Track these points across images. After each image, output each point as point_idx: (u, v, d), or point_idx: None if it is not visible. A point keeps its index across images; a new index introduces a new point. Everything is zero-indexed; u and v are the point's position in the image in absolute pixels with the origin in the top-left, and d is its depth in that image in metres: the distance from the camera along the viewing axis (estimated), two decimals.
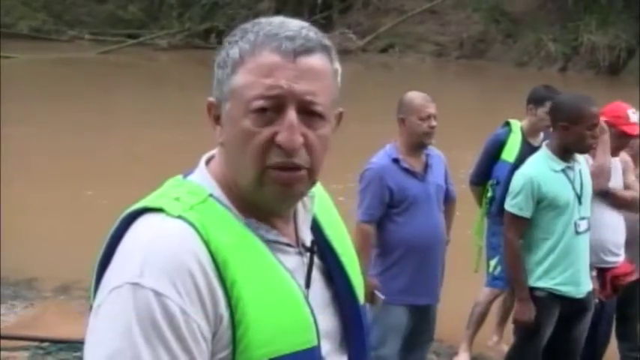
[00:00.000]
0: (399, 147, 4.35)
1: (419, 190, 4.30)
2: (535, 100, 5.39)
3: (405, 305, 4.36)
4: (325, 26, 19.33)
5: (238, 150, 1.38)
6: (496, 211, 5.46)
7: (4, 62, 19.62)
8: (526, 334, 4.26)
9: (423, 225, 4.29)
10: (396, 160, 4.29)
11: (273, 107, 1.35)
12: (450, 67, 22.26)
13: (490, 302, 5.66)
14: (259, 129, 1.36)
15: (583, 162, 4.27)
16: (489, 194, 5.48)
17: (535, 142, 5.39)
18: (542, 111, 5.24)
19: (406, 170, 4.30)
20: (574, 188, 4.15)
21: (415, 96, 4.39)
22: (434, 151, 4.50)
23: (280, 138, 1.35)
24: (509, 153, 5.42)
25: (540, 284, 4.18)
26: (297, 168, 1.38)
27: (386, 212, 4.28)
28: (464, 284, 5.79)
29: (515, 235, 4.18)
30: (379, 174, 4.26)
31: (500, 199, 5.45)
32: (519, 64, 20.87)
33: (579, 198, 4.16)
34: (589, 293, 4.29)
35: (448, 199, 4.66)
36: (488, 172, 5.48)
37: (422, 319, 4.47)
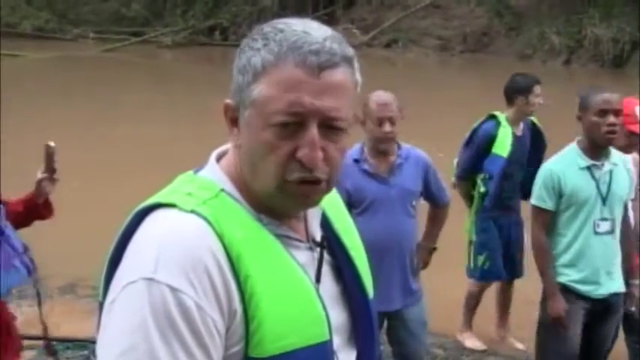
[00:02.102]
0: (365, 148, 4.17)
1: (378, 192, 4.09)
2: (524, 90, 5.43)
3: None
4: (329, 22, 19.27)
5: (258, 159, 1.38)
6: (490, 206, 5.49)
7: (9, 62, 19.64)
8: (548, 332, 4.20)
9: (380, 228, 4.03)
10: (356, 161, 4.12)
11: (295, 122, 1.35)
12: (453, 61, 22.23)
13: (480, 293, 5.72)
14: (280, 142, 1.35)
15: (620, 163, 4.18)
16: (482, 189, 5.45)
17: (518, 132, 5.47)
18: (533, 96, 5.42)
19: (365, 172, 4.12)
20: (598, 187, 4.08)
21: (373, 98, 4.09)
22: (414, 152, 4.26)
23: (301, 154, 1.35)
24: (501, 147, 5.42)
25: (557, 279, 4.15)
26: (317, 181, 1.38)
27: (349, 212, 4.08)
28: (466, 279, 5.81)
29: (540, 228, 4.16)
30: None
31: (496, 194, 5.46)
32: (523, 57, 20.83)
33: (603, 198, 4.09)
34: (614, 295, 4.21)
35: (436, 205, 4.46)
36: (479, 167, 5.47)
37: (394, 328, 4.27)
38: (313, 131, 1.35)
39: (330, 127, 1.37)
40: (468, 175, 5.51)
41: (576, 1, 21.50)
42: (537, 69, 19.52)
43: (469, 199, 5.55)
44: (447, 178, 4.66)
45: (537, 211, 4.16)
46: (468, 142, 5.52)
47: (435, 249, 4.58)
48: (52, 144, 4.04)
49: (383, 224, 4.07)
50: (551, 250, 4.17)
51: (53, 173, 4.04)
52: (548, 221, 4.15)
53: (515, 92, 5.46)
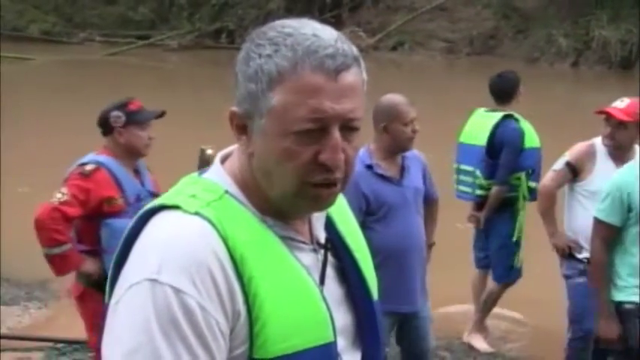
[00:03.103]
0: (373, 152, 4.17)
1: (395, 196, 4.12)
2: (519, 83, 5.57)
3: (386, 312, 4.13)
4: (335, 25, 19.17)
5: (277, 166, 1.37)
6: (535, 197, 5.50)
7: (16, 65, 19.70)
8: (623, 354, 4.05)
9: (400, 231, 4.11)
10: (369, 167, 4.11)
11: (317, 128, 1.35)
12: (460, 64, 22.20)
13: (502, 293, 5.71)
14: (301, 148, 1.35)
15: None
16: (532, 184, 5.41)
17: None
18: (522, 88, 5.60)
19: (381, 176, 4.13)
20: None
21: (396, 101, 4.18)
22: (411, 151, 4.30)
23: (325, 158, 1.35)
24: (532, 140, 5.48)
25: (629, 298, 3.96)
26: (335, 183, 1.39)
27: (363, 220, 4.05)
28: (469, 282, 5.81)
29: (601, 242, 3.96)
30: (354, 181, 3.95)
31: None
32: (530, 60, 20.79)
33: None
34: None
35: (430, 201, 4.49)
36: (516, 167, 5.46)
37: (409, 328, 4.30)
38: (336, 135, 1.35)
39: (348, 127, 1.37)
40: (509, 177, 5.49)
41: (584, 3, 21.45)
42: (545, 71, 19.50)
43: (499, 204, 5.49)
44: (437, 180, 4.65)
45: (599, 223, 3.95)
46: (489, 148, 5.44)
47: (433, 244, 4.65)
48: (209, 151, 4.02)
49: (403, 227, 4.12)
50: (608, 267, 3.97)
51: None
52: (611, 237, 3.94)
53: (517, 87, 5.54)
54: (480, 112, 5.60)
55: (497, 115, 5.47)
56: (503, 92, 5.52)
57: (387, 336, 4.21)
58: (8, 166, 9.19)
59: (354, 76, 1.37)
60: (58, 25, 26.00)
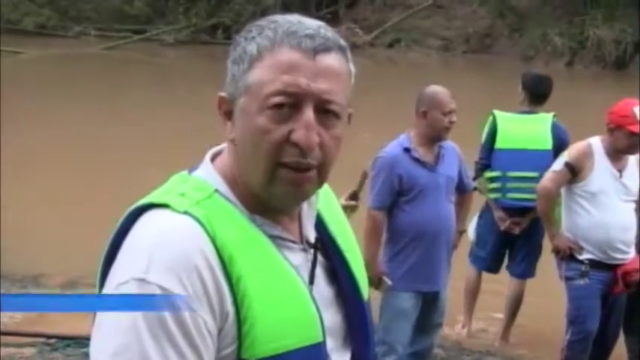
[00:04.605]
0: (412, 137, 4.44)
1: (428, 180, 4.38)
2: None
3: (411, 291, 4.45)
4: (332, 21, 19.26)
5: (251, 146, 1.37)
6: None
7: (11, 59, 19.64)
8: None
9: (429, 214, 4.37)
10: (407, 150, 4.39)
11: (291, 104, 1.35)
12: (456, 61, 22.21)
13: None
14: (275, 126, 1.35)
15: None
16: None
17: None
18: None
19: (416, 160, 4.39)
20: None
21: (439, 91, 4.47)
22: (448, 143, 4.56)
23: (297, 136, 1.35)
24: None
25: None
26: (308, 169, 1.38)
27: (395, 200, 4.38)
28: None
29: None
30: (390, 163, 4.38)
31: None
32: (526, 58, 20.80)
33: None
34: None
35: (464, 191, 4.75)
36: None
37: (429, 306, 4.53)
38: (309, 113, 1.35)
39: (325, 111, 1.37)
40: None
41: (579, 2, 21.47)
42: (540, 70, 19.47)
43: None
44: None
45: None
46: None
47: (464, 231, 4.96)
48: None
49: (432, 210, 4.38)
50: None
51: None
52: None
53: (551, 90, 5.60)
54: (513, 115, 5.56)
55: (548, 117, 5.49)
56: (543, 94, 5.56)
57: (411, 315, 4.45)
58: (4, 160, 9.16)
59: (335, 61, 1.38)
60: (53, 18, 25.87)
